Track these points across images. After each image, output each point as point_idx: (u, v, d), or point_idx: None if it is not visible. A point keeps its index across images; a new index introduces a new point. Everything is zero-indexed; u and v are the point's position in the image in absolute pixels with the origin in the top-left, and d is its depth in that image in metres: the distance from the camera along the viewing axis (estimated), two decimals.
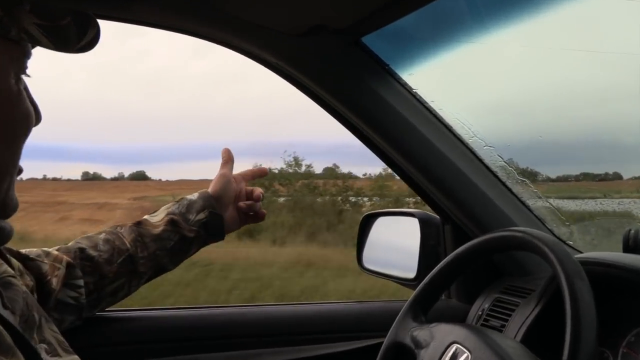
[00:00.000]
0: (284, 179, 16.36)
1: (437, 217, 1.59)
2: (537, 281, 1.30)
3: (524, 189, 1.51)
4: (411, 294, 1.21)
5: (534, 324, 1.20)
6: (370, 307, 1.60)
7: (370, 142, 1.48)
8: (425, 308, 1.18)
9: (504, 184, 1.48)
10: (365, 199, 17.10)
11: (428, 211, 1.61)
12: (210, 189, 1.38)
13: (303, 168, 17.32)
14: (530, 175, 1.52)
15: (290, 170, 16.82)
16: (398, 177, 1.51)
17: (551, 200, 1.56)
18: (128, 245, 1.28)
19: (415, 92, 1.39)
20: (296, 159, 17.06)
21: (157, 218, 1.33)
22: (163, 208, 1.36)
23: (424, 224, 1.57)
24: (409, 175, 1.48)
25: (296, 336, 1.45)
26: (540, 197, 1.52)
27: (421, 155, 1.41)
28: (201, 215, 1.33)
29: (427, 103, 1.41)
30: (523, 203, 1.49)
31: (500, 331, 1.27)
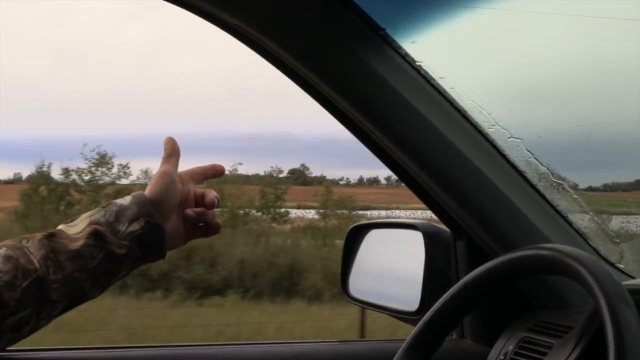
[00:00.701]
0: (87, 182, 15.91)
1: (447, 230, 1.60)
2: (577, 316, 1.29)
3: (561, 195, 1.51)
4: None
5: None
6: (362, 349, 1.64)
7: (360, 130, 1.47)
8: (425, 355, 1.17)
9: (534, 187, 1.48)
10: None
11: (435, 222, 1.62)
12: (147, 192, 1.36)
13: (115, 169, 16.84)
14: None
15: (97, 172, 16.43)
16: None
17: (594, 212, 1.57)
18: (36, 264, 1.24)
19: (419, 66, 1.39)
20: (102, 156, 16.56)
21: (76, 229, 1.31)
22: (85, 215, 1.34)
23: (430, 239, 1.58)
24: (410, 174, 1.48)
25: None
26: (586, 212, 1.54)
27: (426, 148, 1.40)
28: (135, 226, 1.31)
29: (434, 80, 1.40)
30: (559, 213, 1.49)
31: None
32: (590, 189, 1.96)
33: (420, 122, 1.38)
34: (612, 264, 1.48)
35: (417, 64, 1.39)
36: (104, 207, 1.34)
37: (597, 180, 2.29)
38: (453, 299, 1.15)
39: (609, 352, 0.83)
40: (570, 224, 1.50)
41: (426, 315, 1.18)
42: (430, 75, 1.40)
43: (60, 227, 1.32)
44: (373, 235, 1.77)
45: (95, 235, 1.29)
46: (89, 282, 1.29)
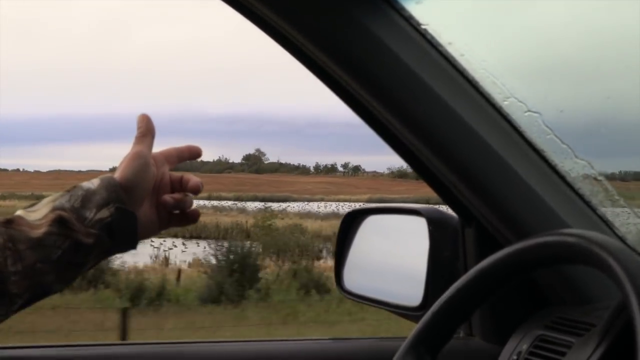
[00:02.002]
0: None
1: (455, 215, 1.60)
2: (600, 312, 1.28)
3: (584, 178, 1.51)
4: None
5: None
6: (359, 347, 1.67)
7: (357, 103, 1.47)
8: (433, 349, 1.17)
9: (553, 168, 1.47)
10: None
11: (440, 207, 1.63)
12: (117, 175, 1.36)
13: None
14: None
15: None
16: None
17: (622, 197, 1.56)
18: None
19: (425, 30, 1.38)
20: None
21: (38, 215, 1.30)
22: (47, 200, 1.33)
23: (435, 226, 1.58)
24: (414, 152, 1.48)
25: None
26: (613, 197, 1.52)
27: (431, 122, 1.40)
28: (104, 213, 1.31)
29: (441, 46, 1.39)
30: (582, 197, 1.49)
31: None
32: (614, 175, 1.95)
33: (425, 93, 1.38)
34: None
35: (422, 27, 1.38)
36: (68, 191, 1.34)
37: (624, 165, 2.28)
38: (464, 288, 1.16)
39: (638, 353, 0.83)
40: (594, 209, 1.49)
41: (434, 305, 1.18)
42: (437, 41, 1.39)
43: (19, 212, 1.32)
44: (371, 222, 1.77)
45: (60, 223, 1.28)
46: (53, 274, 1.28)
